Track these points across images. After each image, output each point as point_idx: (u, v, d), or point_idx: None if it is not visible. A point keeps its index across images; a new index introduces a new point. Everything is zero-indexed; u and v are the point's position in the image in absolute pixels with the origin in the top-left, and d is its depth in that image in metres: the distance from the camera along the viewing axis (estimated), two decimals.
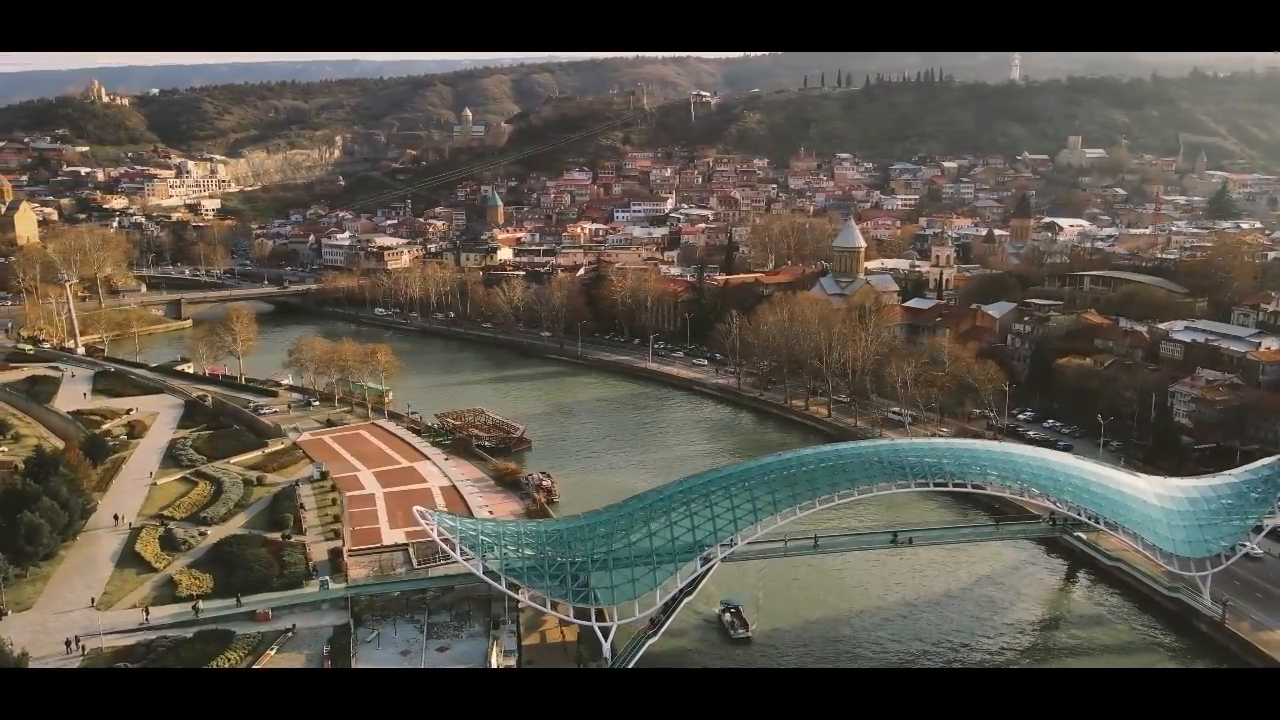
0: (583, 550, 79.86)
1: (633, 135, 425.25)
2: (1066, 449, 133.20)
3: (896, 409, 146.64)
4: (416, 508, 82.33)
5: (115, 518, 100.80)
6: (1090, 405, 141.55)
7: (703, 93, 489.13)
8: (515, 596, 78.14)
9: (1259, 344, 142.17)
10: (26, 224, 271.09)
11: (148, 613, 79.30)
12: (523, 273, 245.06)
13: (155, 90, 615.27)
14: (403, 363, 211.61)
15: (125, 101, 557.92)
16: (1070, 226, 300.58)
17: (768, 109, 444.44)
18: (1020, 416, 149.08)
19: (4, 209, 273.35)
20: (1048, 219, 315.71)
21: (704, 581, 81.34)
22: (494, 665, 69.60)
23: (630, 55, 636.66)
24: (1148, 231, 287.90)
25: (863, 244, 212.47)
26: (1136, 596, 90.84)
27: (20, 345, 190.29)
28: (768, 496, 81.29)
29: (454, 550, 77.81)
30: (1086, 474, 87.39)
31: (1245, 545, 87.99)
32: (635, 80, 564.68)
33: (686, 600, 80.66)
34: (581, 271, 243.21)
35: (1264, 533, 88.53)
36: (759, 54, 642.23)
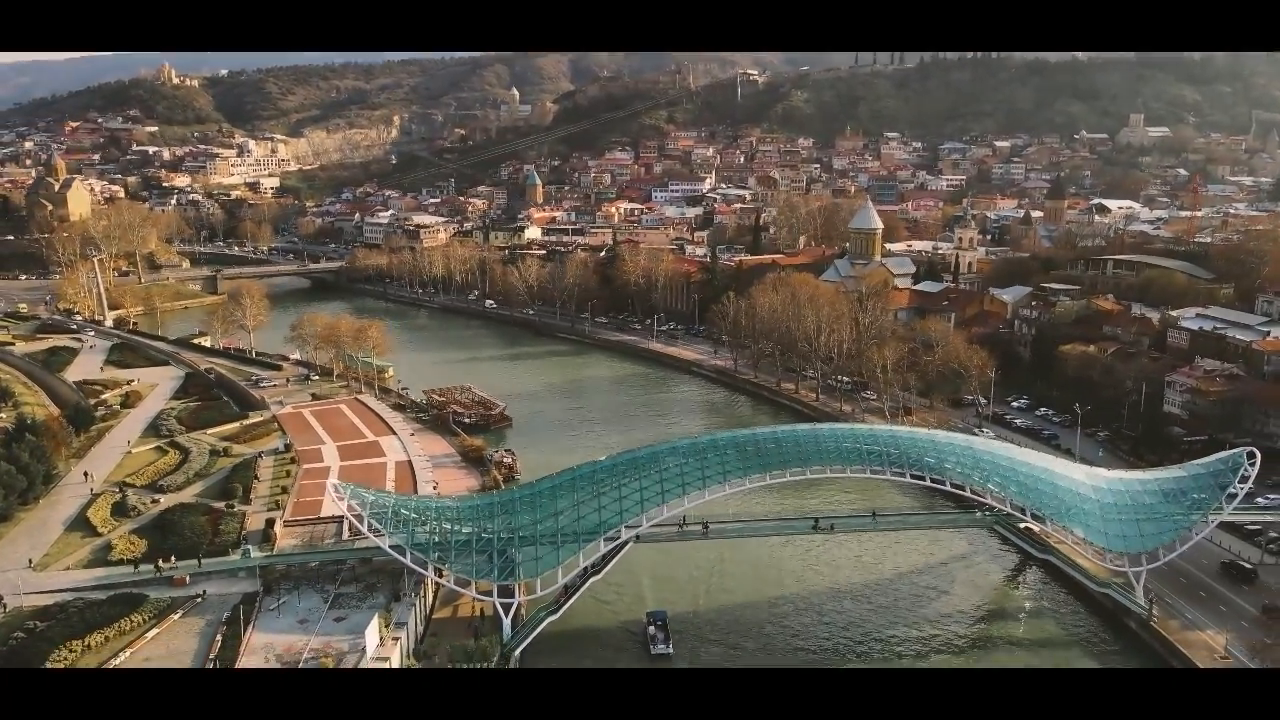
0: (492, 527, 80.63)
1: (677, 114, 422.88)
2: (1052, 438, 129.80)
3: (846, 386, 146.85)
4: (330, 481, 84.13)
5: (85, 474, 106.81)
6: (1089, 394, 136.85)
7: (750, 71, 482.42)
8: (422, 571, 79.17)
9: (1268, 333, 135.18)
10: (79, 201, 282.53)
11: (157, 567, 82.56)
12: (544, 251, 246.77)
13: (224, 72, 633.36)
14: (417, 339, 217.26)
15: (194, 83, 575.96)
16: (1119, 209, 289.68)
17: (816, 87, 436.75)
18: (1014, 404, 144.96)
19: (58, 186, 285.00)
20: (1097, 200, 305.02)
21: (615, 560, 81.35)
22: (377, 637, 70.87)
23: None
24: (1200, 214, 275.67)
25: (879, 225, 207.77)
26: (1074, 591, 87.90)
27: (19, 307, 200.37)
28: (677, 478, 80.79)
29: (361, 524, 79.28)
30: (1016, 463, 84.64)
31: (1191, 539, 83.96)
32: (694, 59, 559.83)
33: (594, 579, 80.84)
34: (605, 252, 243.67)
35: (1211, 527, 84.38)
36: None
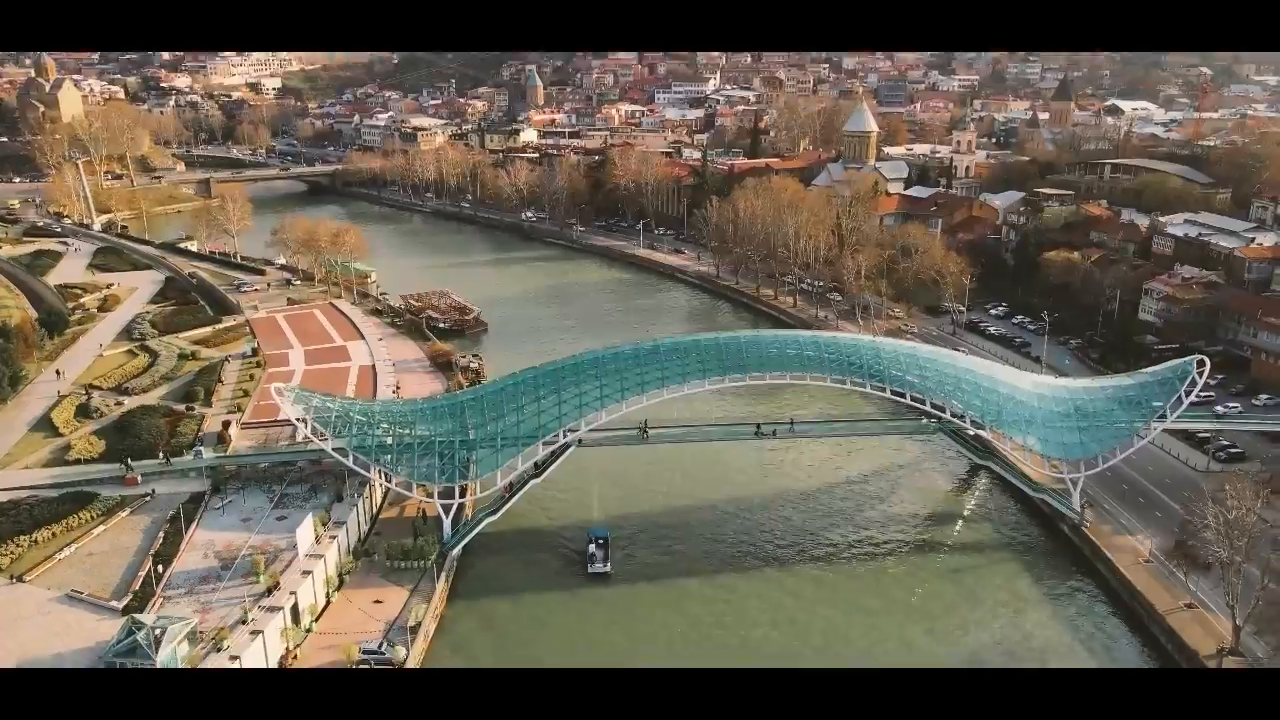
0: (436, 430, 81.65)
1: None
2: (1024, 345, 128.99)
3: (817, 290, 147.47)
4: (275, 385, 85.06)
5: (57, 372, 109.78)
6: (1069, 301, 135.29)
7: None
8: (364, 474, 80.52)
9: (1252, 240, 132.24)
10: (70, 102, 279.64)
11: (127, 465, 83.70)
12: (536, 155, 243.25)
13: None
14: (407, 243, 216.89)
15: None
16: (1132, 110, 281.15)
17: None
18: (992, 312, 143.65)
19: (49, 87, 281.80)
20: (1112, 101, 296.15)
21: (556, 464, 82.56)
22: (311, 536, 72.72)
23: None
24: (1215, 115, 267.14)
25: (874, 128, 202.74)
26: (1017, 497, 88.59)
27: (11, 204, 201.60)
28: (616, 384, 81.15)
29: (305, 427, 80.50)
30: (960, 370, 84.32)
31: (1133, 446, 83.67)
32: None
33: (534, 482, 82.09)
34: (596, 156, 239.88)
35: (1155, 433, 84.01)
36: None
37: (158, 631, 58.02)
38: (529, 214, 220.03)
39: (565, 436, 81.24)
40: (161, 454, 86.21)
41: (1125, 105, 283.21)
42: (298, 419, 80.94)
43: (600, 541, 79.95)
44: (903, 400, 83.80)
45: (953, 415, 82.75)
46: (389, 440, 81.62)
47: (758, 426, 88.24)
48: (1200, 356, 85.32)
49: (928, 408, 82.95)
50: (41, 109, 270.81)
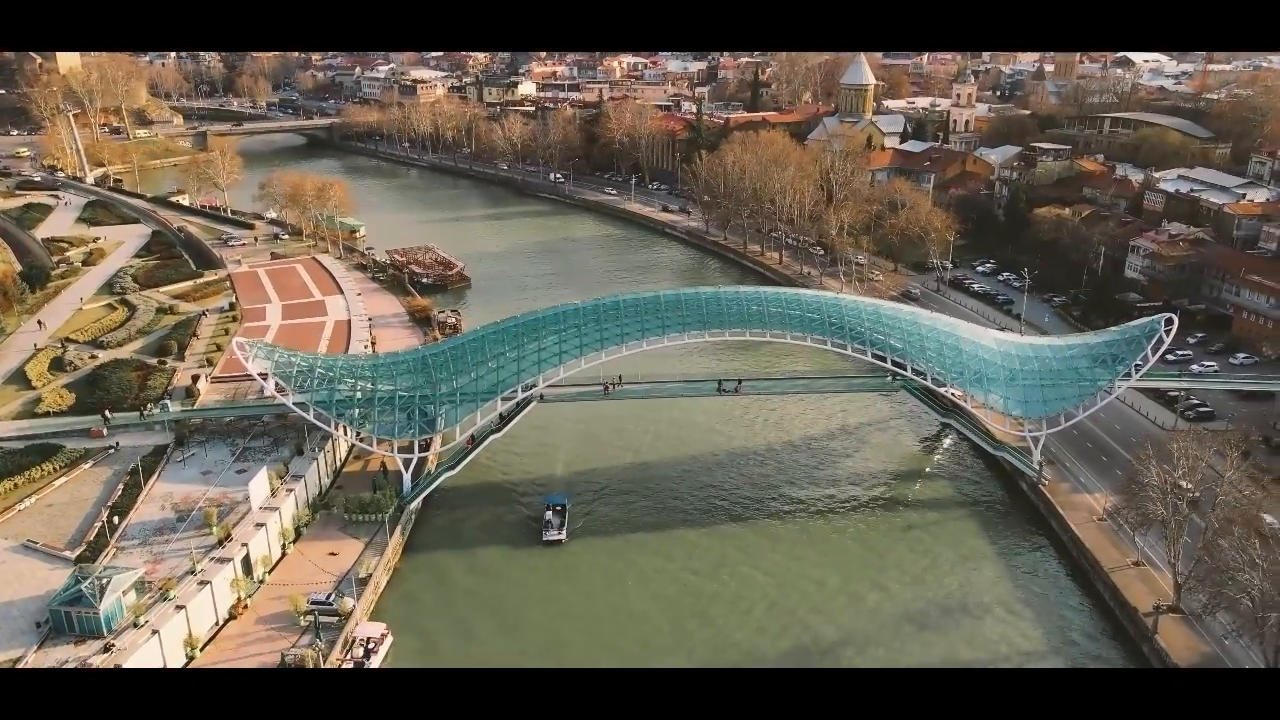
0: (398, 385, 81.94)
1: None
2: (1006, 303, 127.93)
3: (796, 244, 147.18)
4: (237, 340, 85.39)
5: (39, 323, 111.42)
6: (1058, 258, 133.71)
7: None
8: (325, 428, 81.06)
9: (1243, 195, 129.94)
10: (67, 53, 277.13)
11: (105, 418, 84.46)
12: (532, 108, 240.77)
13: None
14: (401, 198, 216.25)
15: None
16: (1144, 61, 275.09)
17: None
18: (979, 269, 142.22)
19: None
20: (1123, 54, 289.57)
21: (516, 420, 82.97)
22: (266, 489, 73.43)
23: None
24: (1227, 67, 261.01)
25: (871, 81, 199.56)
26: (980, 455, 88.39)
27: (18, 151, 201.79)
28: (575, 340, 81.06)
29: (266, 382, 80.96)
30: (922, 327, 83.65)
31: (1096, 404, 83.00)
32: None
33: (494, 438, 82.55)
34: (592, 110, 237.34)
35: (1121, 390, 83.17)
36: None
37: (103, 581, 58.95)
38: (537, 170, 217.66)
39: (524, 392, 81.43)
40: (143, 409, 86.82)
41: (1137, 56, 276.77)
42: (259, 374, 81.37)
43: (557, 509, 79.42)
44: (866, 357, 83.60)
45: (914, 372, 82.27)
46: (355, 395, 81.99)
47: (719, 383, 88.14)
48: (1169, 315, 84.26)
49: (889, 364, 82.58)
50: (38, 60, 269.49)
